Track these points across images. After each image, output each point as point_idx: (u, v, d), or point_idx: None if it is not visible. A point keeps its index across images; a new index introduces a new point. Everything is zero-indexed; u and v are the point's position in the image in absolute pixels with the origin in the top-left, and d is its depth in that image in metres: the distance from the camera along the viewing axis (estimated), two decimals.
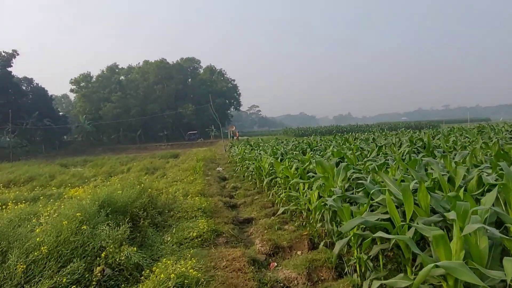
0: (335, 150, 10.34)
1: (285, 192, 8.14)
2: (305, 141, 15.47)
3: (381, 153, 8.58)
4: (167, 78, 73.26)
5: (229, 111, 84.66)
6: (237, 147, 17.58)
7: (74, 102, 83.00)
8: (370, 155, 8.30)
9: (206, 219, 6.64)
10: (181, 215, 6.87)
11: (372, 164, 5.52)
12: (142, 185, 7.01)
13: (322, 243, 5.10)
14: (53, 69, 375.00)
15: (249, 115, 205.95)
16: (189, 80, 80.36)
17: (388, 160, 6.22)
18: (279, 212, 5.67)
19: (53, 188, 9.52)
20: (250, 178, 11.61)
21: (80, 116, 70.37)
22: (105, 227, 4.70)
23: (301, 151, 11.64)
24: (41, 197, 8.05)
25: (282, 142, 18.22)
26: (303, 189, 6.93)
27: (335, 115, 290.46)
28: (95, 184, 11.98)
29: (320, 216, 5.11)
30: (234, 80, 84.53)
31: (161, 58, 74.99)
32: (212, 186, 11.03)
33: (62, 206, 5.30)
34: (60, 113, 73.55)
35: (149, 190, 7.22)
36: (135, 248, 4.54)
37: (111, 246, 4.33)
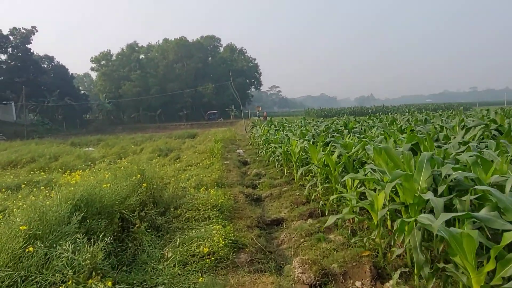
0: (380, 131, 8.46)
1: (322, 185, 6.39)
2: (339, 122, 13.50)
3: (449, 137, 6.65)
4: (187, 57, 71.57)
5: (249, 91, 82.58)
6: (260, 128, 15.83)
7: (95, 81, 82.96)
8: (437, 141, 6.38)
9: (223, 222, 4.99)
10: (191, 214, 5.25)
11: (472, 156, 3.64)
12: (139, 175, 5.36)
13: (396, 273, 3.34)
14: (76, 47, 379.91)
15: (269, 95, 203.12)
16: (209, 58, 78.40)
17: (484, 150, 4.33)
18: (329, 222, 3.93)
19: (42, 174, 8.17)
20: (276, 164, 9.88)
21: (101, 94, 70.22)
22: (70, 245, 3.08)
23: (335, 133, 9.80)
24: (23, 185, 6.61)
25: (310, 122, 16.34)
26: (352, 185, 5.17)
27: (357, 97, 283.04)
28: (100, 167, 10.58)
29: (393, 232, 3.34)
30: (254, 59, 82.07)
31: (180, 36, 73.18)
32: (231, 172, 9.40)
33: (15, 211, 3.74)
34: (81, 92, 73.46)
35: (152, 180, 5.60)
36: (110, 282, 2.91)
37: (72, 281, 2.72)
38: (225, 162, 11.22)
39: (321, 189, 6.57)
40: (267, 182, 8.20)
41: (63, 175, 8.81)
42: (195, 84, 70.12)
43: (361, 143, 5.82)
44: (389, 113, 55.51)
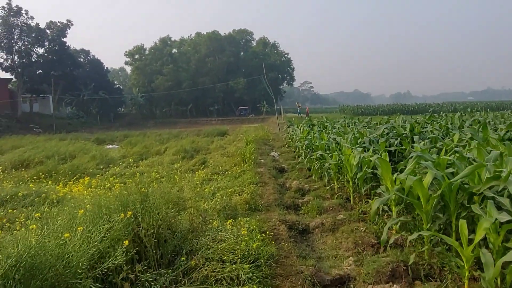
0: (467, 139, 6.33)
1: (400, 219, 4.38)
2: (396, 123, 11.23)
3: None
4: (219, 51, 70.41)
5: (281, 87, 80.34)
6: (298, 127, 13.84)
7: (130, 75, 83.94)
8: None
9: (260, 287, 3.15)
10: (211, 269, 3.44)
11: None
12: (137, 205, 3.61)
13: None
14: (112, 42, 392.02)
15: (301, 91, 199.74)
16: (241, 53, 76.86)
17: None
18: None
19: (30, 185, 6.75)
20: (324, 178, 7.88)
21: (134, 89, 70.76)
22: None
23: (396, 138, 7.69)
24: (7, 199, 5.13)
25: (355, 122, 14.16)
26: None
27: (392, 93, 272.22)
28: (113, 172, 9.10)
29: None
30: (287, 54, 79.49)
31: (212, 30, 72.11)
32: (266, 186, 7.56)
33: None
34: (116, 86, 74.45)
35: (158, 209, 3.84)
36: None
37: None
38: (258, 169, 9.40)
39: (397, 227, 4.58)
40: (314, 204, 6.27)
41: (68, 183, 7.31)
42: (227, 79, 68.88)
43: (473, 166, 3.75)
44: (435, 112, 51.45)
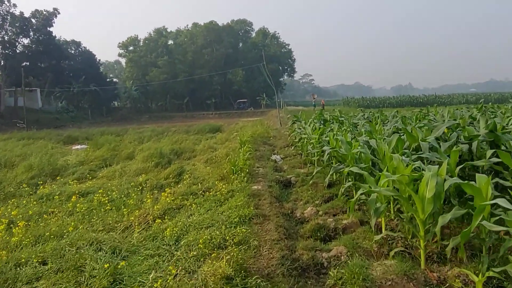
0: None
1: None
2: (453, 117, 8.28)
3: None
4: (217, 42, 67.10)
5: (282, 79, 77.23)
6: (306, 123, 10.82)
7: (124, 67, 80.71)
8: None
9: None
10: None
11: None
12: None
13: None
14: (107, 34, 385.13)
15: (302, 84, 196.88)
16: (240, 44, 73.57)
17: None
18: None
19: None
20: (370, 216, 4.96)
21: (128, 81, 67.57)
22: None
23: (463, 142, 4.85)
24: None
25: (378, 117, 11.25)
26: None
27: (394, 86, 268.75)
28: (42, 194, 6.25)
29: None
30: (288, 45, 76.19)
31: (210, 20, 68.71)
32: (266, 224, 4.68)
33: None
34: (108, 79, 71.23)
35: None
36: None
37: None
38: (255, 186, 6.52)
39: None
40: (353, 268, 3.38)
41: None
42: (225, 71, 65.71)
43: None
44: (444, 104, 48.38)
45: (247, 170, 7.38)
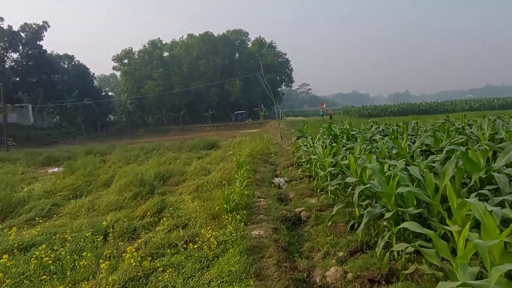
0: None
1: None
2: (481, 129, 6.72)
3: None
4: (213, 52, 65.94)
5: (279, 89, 76.03)
6: (314, 140, 9.16)
7: (119, 81, 79.45)
8: None
9: None
10: None
11: None
12: None
13: None
14: (102, 47, 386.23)
15: (299, 93, 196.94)
16: (236, 54, 72.46)
17: None
18: None
19: None
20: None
21: (123, 95, 66.12)
22: None
23: None
24: None
25: (397, 129, 9.68)
26: None
27: (391, 93, 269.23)
28: None
29: None
30: (285, 54, 75.07)
31: (205, 31, 67.67)
32: None
33: None
34: (103, 93, 69.86)
35: None
36: None
37: None
38: (256, 232, 4.91)
39: None
40: None
41: None
42: (221, 82, 64.42)
43: None
44: (447, 111, 46.92)
45: (244, 205, 5.77)
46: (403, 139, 7.22)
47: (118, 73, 78.84)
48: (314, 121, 46.55)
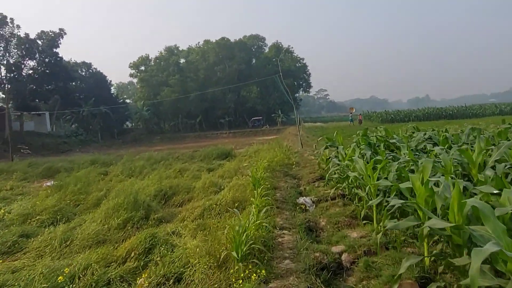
0: None
1: None
2: None
3: None
4: (229, 58, 64.96)
5: (297, 94, 74.21)
6: (348, 151, 7.39)
7: (136, 88, 79.58)
8: None
9: None
10: None
11: None
12: None
13: None
14: (121, 55, 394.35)
15: (316, 99, 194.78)
16: (253, 60, 71.26)
17: None
18: None
19: None
20: None
21: (139, 102, 65.83)
22: None
23: None
24: None
25: (446, 136, 7.84)
26: None
27: (410, 98, 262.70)
28: None
29: None
30: (303, 59, 73.36)
31: (222, 37, 66.86)
32: None
33: None
34: (121, 100, 69.79)
35: None
36: None
37: None
38: None
39: None
40: None
41: None
42: (238, 88, 63.25)
43: None
44: (476, 116, 44.01)
45: (262, 244, 4.13)
46: (473, 150, 5.43)
47: (135, 80, 79.04)
48: (334, 127, 44.54)
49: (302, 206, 6.87)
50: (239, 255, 3.64)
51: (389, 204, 3.72)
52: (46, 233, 5.61)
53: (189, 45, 73.65)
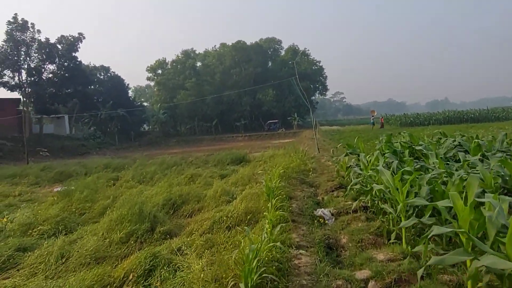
0: None
1: None
2: None
3: None
4: (245, 61, 64.80)
5: (313, 97, 73.33)
6: (368, 159, 6.79)
7: (153, 91, 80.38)
8: None
9: None
10: None
11: None
12: None
13: None
14: (139, 59, 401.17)
15: (333, 102, 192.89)
16: (269, 63, 70.90)
17: None
18: None
19: None
20: None
21: (155, 105, 66.43)
22: None
23: None
24: None
25: (479, 145, 7.12)
26: None
27: (429, 101, 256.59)
28: None
29: None
30: (319, 62, 72.51)
31: (238, 40, 66.81)
32: None
33: None
34: (138, 103, 70.55)
35: None
36: None
37: None
38: None
39: None
40: None
41: None
42: (254, 91, 62.94)
43: None
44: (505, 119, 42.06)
45: (276, 269, 3.59)
46: None
47: (152, 84, 79.87)
48: (351, 130, 43.51)
49: (321, 220, 6.30)
50: (249, 286, 3.11)
51: (432, 233, 3.11)
52: (44, 247, 5.23)
53: (206, 49, 74.09)
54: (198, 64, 70.06)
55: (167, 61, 68.88)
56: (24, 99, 42.41)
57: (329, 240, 5.32)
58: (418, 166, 6.21)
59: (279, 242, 4.25)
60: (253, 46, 67.24)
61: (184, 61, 67.28)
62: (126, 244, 5.27)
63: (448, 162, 6.37)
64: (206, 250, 4.56)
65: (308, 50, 72.73)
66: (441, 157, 6.69)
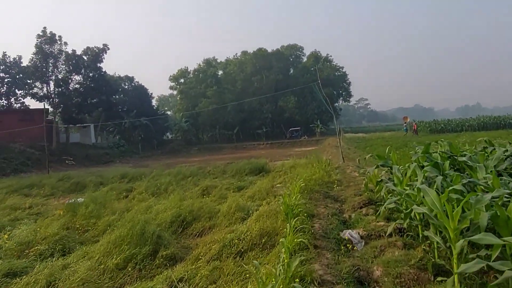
0: None
1: None
2: None
3: None
4: (266, 68, 64.37)
5: (337, 104, 71.80)
6: (402, 172, 5.87)
7: (177, 100, 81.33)
8: None
9: None
10: None
11: None
12: None
13: None
14: (162, 68, 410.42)
15: (357, 109, 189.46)
16: (291, 70, 70.13)
17: None
18: None
19: None
20: None
21: (178, 114, 67.01)
22: None
23: None
24: None
25: None
26: None
27: (459, 106, 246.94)
28: None
29: None
30: (342, 68, 71.04)
31: (259, 48, 66.56)
32: None
33: None
34: (161, 112, 71.49)
35: None
36: None
37: None
38: None
39: None
40: None
41: None
42: (275, 99, 62.30)
43: None
44: None
45: None
46: None
47: (175, 93, 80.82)
48: (377, 137, 41.89)
49: (348, 245, 5.41)
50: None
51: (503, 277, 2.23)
52: (34, 272, 4.64)
53: (227, 57, 74.30)
54: (220, 72, 70.30)
55: (189, 70, 69.50)
56: (52, 109, 43.56)
57: (359, 273, 4.44)
58: (465, 181, 5.23)
59: (297, 280, 3.44)
60: (274, 53, 66.78)
61: (205, 69, 67.66)
62: (123, 271, 4.60)
63: (502, 177, 5.35)
64: (210, 286, 3.80)
65: (331, 56, 71.54)
66: (491, 171, 5.68)
